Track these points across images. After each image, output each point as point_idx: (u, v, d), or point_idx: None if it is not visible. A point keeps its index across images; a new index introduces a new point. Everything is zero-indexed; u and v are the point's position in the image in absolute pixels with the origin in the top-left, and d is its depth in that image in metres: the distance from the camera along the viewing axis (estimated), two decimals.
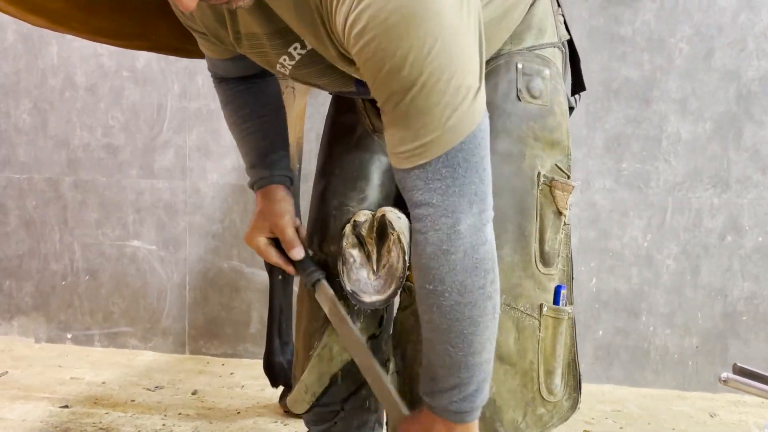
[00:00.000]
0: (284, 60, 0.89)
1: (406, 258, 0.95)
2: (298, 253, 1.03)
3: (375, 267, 0.97)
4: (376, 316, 1.04)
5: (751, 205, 2.08)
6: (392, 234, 0.94)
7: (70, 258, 2.49)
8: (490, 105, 0.85)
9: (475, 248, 0.78)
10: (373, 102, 1.05)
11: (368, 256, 0.98)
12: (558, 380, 0.98)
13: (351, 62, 0.80)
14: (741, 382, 0.84)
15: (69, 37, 2.41)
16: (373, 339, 1.04)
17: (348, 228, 0.99)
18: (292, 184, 1.10)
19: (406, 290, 0.96)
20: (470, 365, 0.81)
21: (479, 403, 0.84)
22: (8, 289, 2.54)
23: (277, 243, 1.06)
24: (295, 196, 1.75)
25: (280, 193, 1.06)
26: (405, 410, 0.94)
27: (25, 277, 2.52)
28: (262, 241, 1.06)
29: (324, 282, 1.02)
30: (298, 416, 1.81)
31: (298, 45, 0.86)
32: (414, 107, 0.72)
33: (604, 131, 2.13)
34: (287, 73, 0.93)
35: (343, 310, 1.00)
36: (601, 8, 2.10)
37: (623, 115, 2.12)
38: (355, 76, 0.87)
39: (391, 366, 1.00)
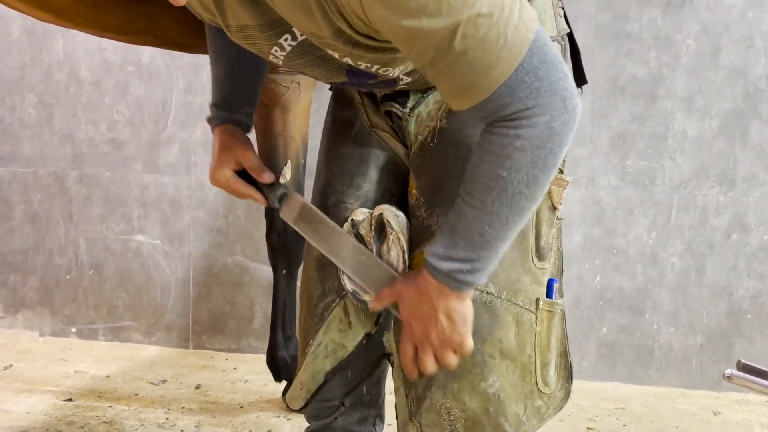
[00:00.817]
0: (275, 51, 0.89)
1: (406, 257, 0.95)
2: (268, 176, 1.05)
3: None
4: (373, 314, 1.04)
5: (757, 203, 2.07)
6: (391, 233, 0.94)
7: (74, 252, 2.50)
8: None
9: (561, 147, 0.77)
10: (370, 96, 1.06)
11: None
12: (552, 372, 0.99)
13: (348, 41, 0.79)
14: (745, 379, 0.83)
15: (74, 32, 2.41)
16: (369, 337, 1.04)
17: (346, 226, 1.00)
18: (248, 131, 1.11)
19: None
20: (494, 248, 0.82)
21: (480, 282, 0.85)
22: (13, 283, 2.55)
23: (241, 176, 1.07)
24: (300, 192, 1.76)
25: (240, 132, 1.08)
26: (397, 272, 0.95)
27: (29, 272, 2.53)
28: (229, 173, 1.06)
29: (292, 193, 1.05)
30: (301, 411, 1.81)
31: (288, 36, 0.86)
32: (468, 44, 0.71)
33: (610, 128, 2.12)
34: (280, 62, 0.93)
35: (315, 209, 1.03)
36: (608, 5, 2.09)
37: (629, 113, 2.11)
38: (348, 62, 0.86)
39: (396, 361, 1.00)
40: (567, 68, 0.77)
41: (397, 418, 1.02)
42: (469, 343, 0.87)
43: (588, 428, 1.78)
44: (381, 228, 0.97)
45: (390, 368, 1.09)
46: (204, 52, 1.26)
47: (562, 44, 1.03)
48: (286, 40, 0.86)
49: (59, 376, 2.08)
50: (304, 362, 1.05)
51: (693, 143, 2.08)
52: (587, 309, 2.16)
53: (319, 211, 1.02)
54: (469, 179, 0.81)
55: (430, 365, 0.89)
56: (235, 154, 1.06)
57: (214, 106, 1.11)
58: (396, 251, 0.95)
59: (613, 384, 2.14)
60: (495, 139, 0.77)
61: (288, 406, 1.83)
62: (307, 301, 1.07)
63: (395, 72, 0.90)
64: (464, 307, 0.86)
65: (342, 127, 1.09)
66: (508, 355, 0.93)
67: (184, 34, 1.39)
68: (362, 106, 1.07)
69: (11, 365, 2.18)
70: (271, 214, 1.76)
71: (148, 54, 2.39)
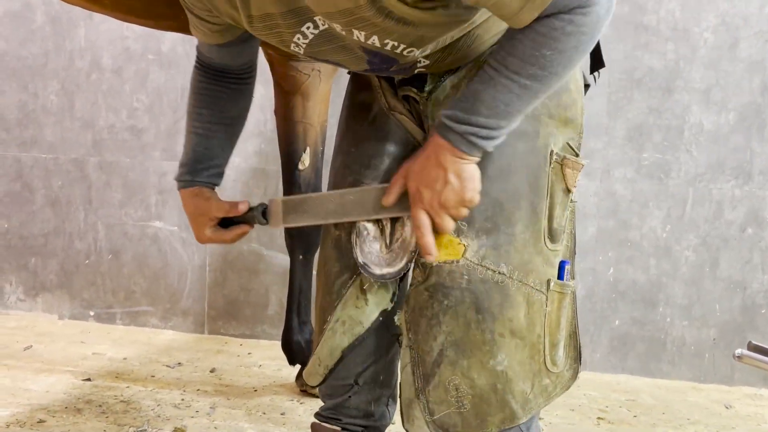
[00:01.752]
0: (298, 39, 0.92)
1: None
2: (242, 206, 1.11)
3: (388, 241, 1.00)
4: (388, 290, 1.05)
5: None
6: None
7: (93, 237, 2.54)
8: None
9: (599, 33, 0.84)
10: (388, 80, 1.07)
11: (382, 231, 1.00)
12: (561, 352, 1.01)
13: (381, 11, 0.82)
14: (755, 359, 0.84)
15: (96, 20, 2.45)
16: (385, 313, 1.06)
17: None
18: (217, 186, 1.17)
19: (419, 266, 0.98)
20: (513, 119, 0.87)
21: (490, 148, 0.89)
22: (34, 266, 2.60)
23: (222, 224, 1.14)
24: (318, 178, 1.78)
25: (205, 191, 1.14)
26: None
27: (50, 255, 2.58)
28: (209, 231, 1.14)
29: (267, 201, 1.11)
30: (314, 395, 1.84)
31: (311, 24, 0.88)
32: None
33: (626, 120, 2.12)
34: (302, 51, 0.95)
35: (294, 197, 1.12)
36: None
37: (645, 105, 2.11)
38: (374, 43, 0.88)
39: (404, 341, 1.02)
40: None
41: (400, 396, 1.03)
42: (477, 197, 0.91)
43: (599, 418, 1.79)
44: None
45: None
46: None
47: None
48: (308, 28, 0.89)
49: (78, 358, 2.12)
50: (322, 338, 1.07)
51: (709, 136, 2.08)
52: (600, 301, 2.16)
53: (297, 195, 1.06)
54: (506, 51, 0.85)
55: (448, 224, 0.92)
56: (204, 212, 1.13)
57: (182, 166, 1.16)
58: (411, 227, 0.97)
59: (625, 376, 2.15)
60: (547, 22, 0.81)
61: (302, 390, 1.86)
62: (324, 280, 1.09)
63: (417, 53, 0.91)
64: (472, 168, 0.90)
65: (360, 110, 1.11)
66: (517, 334, 0.95)
67: None
68: (380, 89, 1.09)
69: (31, 346, 2.23)
70: None
71: (169, 42, 2.42)
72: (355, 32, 0.86)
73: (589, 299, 2.16)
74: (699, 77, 2.07)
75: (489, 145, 0.88)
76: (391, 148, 1.07)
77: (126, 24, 2.25)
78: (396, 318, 1.06)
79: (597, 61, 1.10)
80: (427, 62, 0.97)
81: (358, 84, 1.15)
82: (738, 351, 0.85)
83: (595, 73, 1.11)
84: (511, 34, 0.85)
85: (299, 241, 1.80)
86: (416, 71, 1.00)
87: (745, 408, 1.92)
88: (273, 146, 2.32)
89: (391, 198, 0.96)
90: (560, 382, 1.02)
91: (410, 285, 1.02)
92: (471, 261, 0.94)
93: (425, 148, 0.91)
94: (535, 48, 0.82)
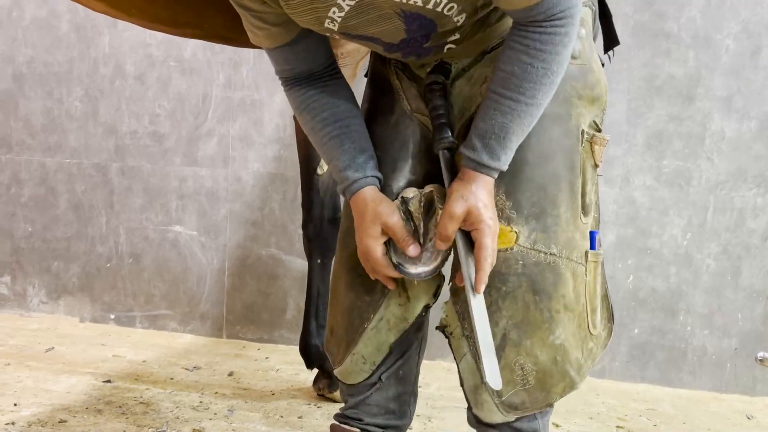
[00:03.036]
0: (333, 12, 0.92)
1: None
2: (414, 250, 1.00)
3: (422, 240, 1.01)
4: (432, 286, 1.07)
5: None
6: (440, 209, 0.97)
7: (115, 241, 2.57)
8: None
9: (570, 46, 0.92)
10: (411, 79, 1.08)
11: (415, 230, 1.01)
12: (599, 315, 1.06)
13: None
14: None
15: (120, 27, 2.49)
16: (428, 308, 1.09)
17: (397, 203, 1.02)
18: (381, 184, 1.06)
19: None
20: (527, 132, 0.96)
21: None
22: (56, 269, 2.63)
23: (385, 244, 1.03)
24: (336, 184, 1.79)
25: (377, 193, 1.03)
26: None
27: (72, 259, 2.62)
28: (380, 249, 1.01)
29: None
30: (331, 400, 1.84)
31: None
32: None
33: (646, 128, 2.11)
34: (336, 28, 0.96)
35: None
36: (646, 4, 2.08)
37: (666, 113, 2.10)
38: (415, 3, 0.91)
39: (457, 331, 1.03)
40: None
41: (462, 385, 1.05)
42: None
43: (618, 427, 1.77)
44: (429, 205, 1.01)
45: (422, 346, 1.15)
46: (246, 45, 1.31)
47: (593, 9, 1.09)
48: (344, 0, 0.90)
49: (98, 360, 2.15)
50: (364, 337, 1.08)
51: (731, 144, 2.06)
52: (619, 309, 2.14)
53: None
54: (519, 80, 0.90)
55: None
56: (381, 224, 1.01)
57: (343, 171, 1.04)
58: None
59: (644, 385, 2.12)
60: (548, 39, 0.89)
61: (320, 394, 1.86)
62: (350, 281, 1.09)
63: (456, 12, 0.94)
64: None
65: (382, 114, 1.12)
66: (569, 308, 1.00)
67: (228, 27, 1.44)
68: (402, 91, 1.10)
69: (53, 348, 2.26)
70: (308, 205, 1.79)
71: (190, 49, 2.46)
72: None
73: None
74: (720, 85, 2.06)
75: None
76: (415, 151, 1.08)
77: (149, 31, 2.29)
78: (443, 310, 1.06)
79: (611, 39, 1.12)
80: (458, 36, 0.99)
81: (376, 88, 1.16)
82: (760, 354, 0.84)
83: (610, 52, 1.14)
84: (519, 58, 0.91)
85: (317, 246, 1.81)
86: (446, 48, 1.02)
87: (767, 418, 1.89)
88: (292, 151, 2.34)
89: (451, 235, 0.97)
90: (599, 342, 1.07)
91: (454, 278, 1.04)
92: (524, 246, 0.99)
93: (477, 184, 0.95)
94: (546, 68, 0.90)
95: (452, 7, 0.92)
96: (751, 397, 2.05)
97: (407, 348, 1.11)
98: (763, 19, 2.02)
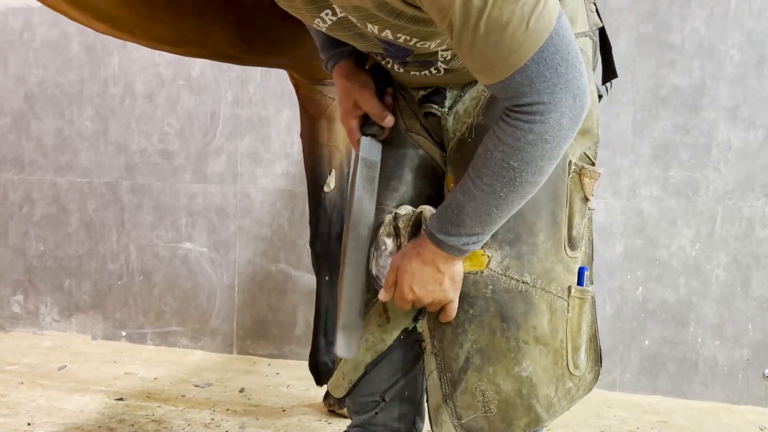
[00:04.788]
0: (318, 22, 0.94)
1: None
2: (389, 121, 1.07)
3: None
4: (412, 310, 1.07)
5: None
6: (425, 230, 0.98)
7: (125, 259, 2.60)
8: None
9: (567, 141, 0.85)
10: (406, 100, 1.10)
11: (400, 247, 1.02)
12: (583, 355, 1.03)
13: (391, 12, 0.84)
14: None
15: (129, 47, 2.53)
16: (407, 332, 1.09)
17: (389, 218, 1.04)
18: (365, 63, 1.11)
19: None
20: (497, 223, 0.91)
21: (479, 248, 0.95)
22: (68, 287, 2.66)
23: (362, 120, 1.11)
24: (343, 200, 1.81)
25: (354, 67, 1.09)
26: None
27: (84, 276, 2.64)
28: (354, 122, 1.10)
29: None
30: (341, 416, 1.85)
31: (329, 11, 0.91)
32: (493, 23, 0.76)
33: (652, 139, 2.11)
34: (324, 30, 0.97)
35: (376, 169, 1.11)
36: (650, 15, 2.09)
37: (671, 123, 2.10)
38: (387, 36, 0.90)
39: (428, 347, 1.03)
40: (583, 65, 0.83)
41: (427, 401, 1.05)
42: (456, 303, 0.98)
43: None
44: (417, 227, 1.02)
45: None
46: (250, 64, 1.32)
47: (593, 40, 1.07)
48: (327, 14, 0.92)
49: (110, 377, 2.17)
50: None
51: (738, 153, 2.06)
52: (629, 320, 2.14)
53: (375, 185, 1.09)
54: (480, 163, 0.87)
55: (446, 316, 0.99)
56: (355, 99, 1.08)
57: (322, 51, 1.11)
58: None
59: (656, 397, 2.11)
60: (510, 131, 0.83)
61: (330, 410, 1.87)
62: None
63: (432, 45, 0.94)
64: (461, 268, 0.97)
65: None
66: (541, 341, 0.98)
67: (233, 46, 1.46)
68: (398, 110, 1.11)
69: (65, 366, 2.28)
70: (316, 222, 1.81)
71: (198, 68, 2.49)
72: (369, 26, 0.89)
73: (617, 319, 2.14)
74: (726, 94, 2.06)
75: (478, 246, 0.94)
76: (409, 170, 1.09)
77: (157, 51, 2.32)
78: (418, 325, 1.07)
79: (609, 72, 1.11)
80: (447, 55, 0.98)
81: None
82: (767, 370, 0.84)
83: (607, 84, 1.13)
84: (486, 142, 0.88)
85: (325, 263, 1.82)
86: (434, 69, 1.01)
87: None
88: (299, 168, 2.36)
89: (389, 295, 1.00)
90: (582, 385, 1.04)
91: None
92: (495, 271, 0.97)
93: (422, 252, 0.95)
94: (504, 159, 0.84)
95: (425, 43, 0.93)
96: (763, 408, 2.03)
97: (411, 367, 1.12)
98: (766, 29, 2.02)
